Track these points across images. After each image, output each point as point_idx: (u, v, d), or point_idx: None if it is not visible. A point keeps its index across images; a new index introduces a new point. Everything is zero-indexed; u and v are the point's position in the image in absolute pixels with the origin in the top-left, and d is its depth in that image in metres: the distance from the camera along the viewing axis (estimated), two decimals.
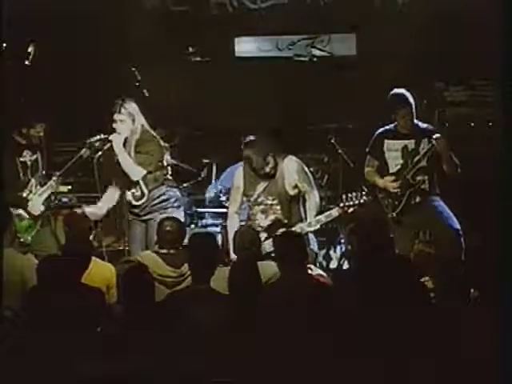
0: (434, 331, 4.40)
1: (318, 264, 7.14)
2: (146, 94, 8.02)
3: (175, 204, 6.93)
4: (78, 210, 6.72)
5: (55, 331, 4.55)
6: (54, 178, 6.97)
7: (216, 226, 8.29)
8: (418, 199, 6.93)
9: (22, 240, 6.77)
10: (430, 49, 8.79)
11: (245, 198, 6.79)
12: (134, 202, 6.87)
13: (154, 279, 5.00)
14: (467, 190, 7.87)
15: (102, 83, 8.84)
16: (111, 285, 5.82)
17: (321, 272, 5.92)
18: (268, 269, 5.55)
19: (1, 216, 6.53)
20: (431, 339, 4.36)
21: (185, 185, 8.31)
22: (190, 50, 9.43)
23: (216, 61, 9.42)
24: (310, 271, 5.66)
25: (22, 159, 6.98)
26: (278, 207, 6.66)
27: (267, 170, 6.61)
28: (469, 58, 8.60)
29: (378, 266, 5.13)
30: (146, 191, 6.84)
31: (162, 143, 6.96)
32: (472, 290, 4.81)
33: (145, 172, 6.80)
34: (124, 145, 6.81)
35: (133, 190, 6.88)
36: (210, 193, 8.60)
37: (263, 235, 6.49)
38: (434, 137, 6.80)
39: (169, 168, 7.07)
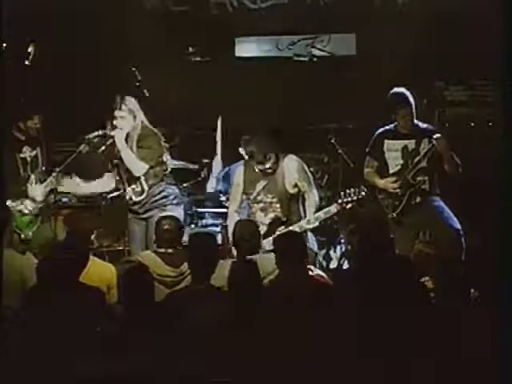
0: (434, 331, 4.40)
1: (317, 264, 7.15)
2: (146, 94, 8.02)
3: (174, 201, 6.94)
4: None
5: (53, 330, 4.55)
6: (54, 174, 6.99)
7: (216, 225, 8.29)
8: (418, 199, 6.92)
9: (22, 236, 6.78)
10: (429, 49, 8.79)
11: (244, 197, 6.80)
12: (134, 198, 6.87)
13: (153, 279, 5.00)
14: (467, 190, 7.87)
15: (102, 83, 8.83)
16: (111, 285, 5.81)
17: (320, 273, 5.92)
18: (267, 263, 5.54)
19: (1, 214, 6.53)
20: (431, 339, 4.36)
21: (185, 185, 8.31)
22: (190, 50, 9.43)
23: (216, 61, 9.42)
24: (309, 271, 5.66)
25: (22, 155, 7.00)
26: (278, 205, 6.67)
27: (268, 165, 6.61)
28: (469, 58, 8.60)
29: (378, 266, 5.13)
30: (146, 187, 6.84)
31: (161, 138, 6.96)
32: (472, 290, 4.81)
33: (147, 167, 6.80)
34: (126, 140, 6.82)
35: (133, 186, 6.88)
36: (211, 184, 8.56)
37: (263, 232, 6.50)
38: (435, 137, 6.80)
39: (168, 164, 7.06)
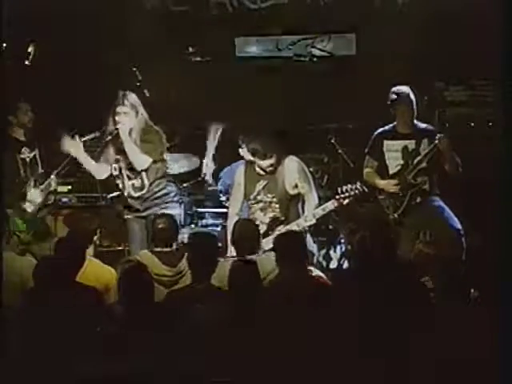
0: (433, 331, 4.40)
1: (317, 264, 7.15)
2: (147, 94, 8.02)
3: (175, 198, 6.95)
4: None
5: (51, 331, 4.56)
6: (52, 177, 6.99)
7: (216, 225, 8.29)
8: (418, 199, 6.92)
9: (21, 238, 6.77)
10: (429, 49, 8.78)
11: (245, 198, 6.81)
12: (134, 194, 6.86)
13: (152, 279, 5.00)
14: (467, 190, 7.87)
15: (102, 83, 8.83)
16: (110, 286, 5.79)
17: (320, 273, 5.92)
18: (267, 264, 5.55)
19: (1, 216, 6.53)
20: (431, 339, 4.36)
21: (185, 185, 8.31)
22: (190, 50, 9.42)
23: (216, 61, 9.42)
24: (310, 272, 5.67)
25: (21, 156, 7.00)
26: (277, 205, 6.68)
27: (270, 162, 6.62)
28: (469, 58, 8.60)
29: (378, 267, 5.14)
30: (146, 182, 6.83)
31: (163, 135, 6.95)
32: (472, 290, 4.81)
33: (151, 160, 6.77)
34: (129, 135, 6.81)
35: (133, 181, 6.87)
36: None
37: (262, 231, 6.51)
38: (437, 136, 6.79)
39: (167, 162, 7.06)
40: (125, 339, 4.49)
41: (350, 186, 6.53)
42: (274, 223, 6.63)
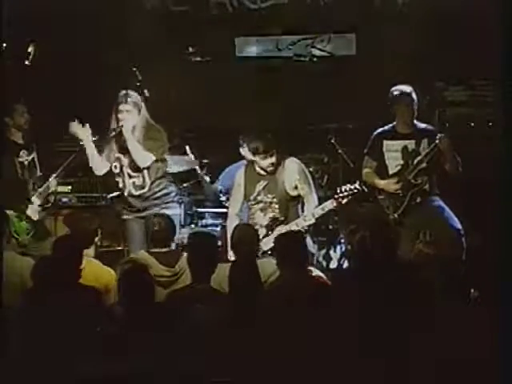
0: (434, 331, 4.40)
1: (317, 264, 7.15)
2: (147, 94, 8.02)
3: (175, 198, 6.95)
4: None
5: (51, 331, 4.55)
6: (51, 179, 6.98)
7: (216, 226, 8.28)
8: (418, 199, 6.92)
9: (20, 240, 6.77)
10: (429, 49, 8.79)
11: (245, 199, 6.81)
12: (135, 192, 6.85)
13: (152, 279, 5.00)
14: (467, 190, 7.87)
15: (102, 83, 8.83)
16: (110, 287, 5.78)
17: (320, 274, 5.92)
18: (268, 267, 5.55)
19: (1, 217, 6.53)
20: (431, 339, 4.36)
21: (185, 185, 8.31)
22: (190, 49, 9.43)
23: (216, 61, 9.42)
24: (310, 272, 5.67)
25: (20, 159, 6.99)
26: (277, 206, 6.68)
27: (271, 161, 6.63)
28: (469, 58, 8.60)
29: (378, 267, 5.14)
30: (148, 181, 6.83)
31: (165, 134, 6.94)
32: (472, 290, 4.81)
33: (154, 158, 6.77)
34: (132, 132, 6.81)
35: (134, 180, 6.87)
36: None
37: (262, 232, 6.51)
38: (438, 136, 6.79)
39: (167, 162, 7.06)
40: (125, 339, 4.49)
41: (348, 185, 6.54)
42: (273, 223, 6.64)
